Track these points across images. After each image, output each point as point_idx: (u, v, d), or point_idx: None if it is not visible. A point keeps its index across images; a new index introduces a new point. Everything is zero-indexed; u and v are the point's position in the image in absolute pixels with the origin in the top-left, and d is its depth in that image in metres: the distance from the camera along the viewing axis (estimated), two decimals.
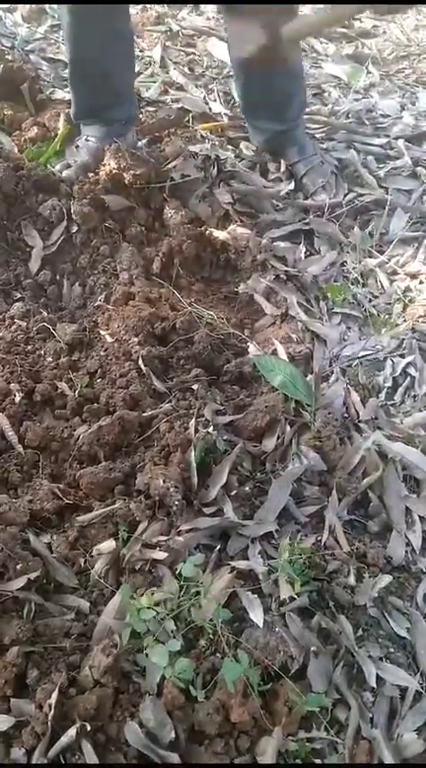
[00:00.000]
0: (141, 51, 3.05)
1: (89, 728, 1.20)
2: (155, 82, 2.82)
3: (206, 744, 1.26)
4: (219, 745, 1.26)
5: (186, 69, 2.98)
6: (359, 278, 2.18)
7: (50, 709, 1.21)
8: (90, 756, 1.18)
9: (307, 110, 2.81)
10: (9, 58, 2.59)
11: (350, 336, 2.05)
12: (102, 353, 1.87)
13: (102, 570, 1.45)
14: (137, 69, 2.88)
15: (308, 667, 1.37)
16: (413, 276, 2.21)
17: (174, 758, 1.22)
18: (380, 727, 1.36)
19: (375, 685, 1.40)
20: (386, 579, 1.54)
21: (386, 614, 1.52)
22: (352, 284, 2.15)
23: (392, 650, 1.47)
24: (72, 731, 1.20)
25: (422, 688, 1.42)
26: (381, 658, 1.45)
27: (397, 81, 3.25)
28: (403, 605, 1.53)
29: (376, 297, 2.17)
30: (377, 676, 1.41)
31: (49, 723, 1.20)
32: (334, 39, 3.50)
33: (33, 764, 1.17)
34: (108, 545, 1.47)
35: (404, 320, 2.08)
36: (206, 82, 2.89)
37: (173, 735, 1.24)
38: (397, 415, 1.87)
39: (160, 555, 1.47)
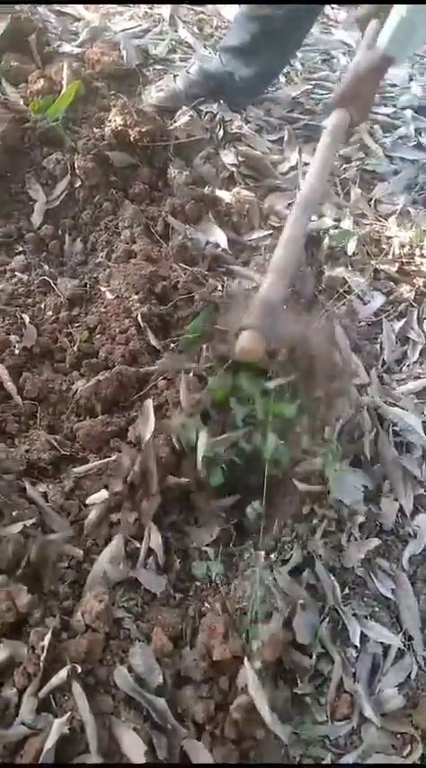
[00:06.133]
0: (150, 8, 3.01)
1: (79, 670, 1.23)
2: (163, 40, 2.79)
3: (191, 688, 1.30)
4: (204, 690, 1.29)
5: (195, 28, 2.94)
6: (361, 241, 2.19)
7: (43, 651, 1.24)
8: (79, 697, 1.21)
9: (316, 75, 2.81)
10: (17, 9, 2.54)
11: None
12: (101, 310, 1.87)
13: (96, 520, 1.47)
14: (145, 26, 2.86)
15: (294, 619, 1.40)
16: (413, 244, 2.21)
17: (161, 702, 1.25)
18: (362, 681, 1.41)
19: (358, 643, 1.44)
20: (374, 542, 1.57)
21: (372, 575, 1.55)
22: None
23: (377, 609, 1.51)
24: (63, 672, 1.22)
25: (405, 646, 1.46)
26: (366, 617, 1.48)
27: None
28: (390, 567, 1.57)
29: (375, 259, 2.17)
30: (361, 633, 1.45)
31: (41, 664, 1.23)
32: (345, 5, 3.45)
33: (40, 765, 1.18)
34: (101, 495, 1.49)
35: (403, 285, 2.10)
36: (215, 42, 2.85)
37: (160, 680, 1.28)
38: (391, 382, 1.89)
39: None
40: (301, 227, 1.69)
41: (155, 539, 1.46)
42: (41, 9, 2.77)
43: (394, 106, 2.78)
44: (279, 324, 1.52)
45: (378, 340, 1.98)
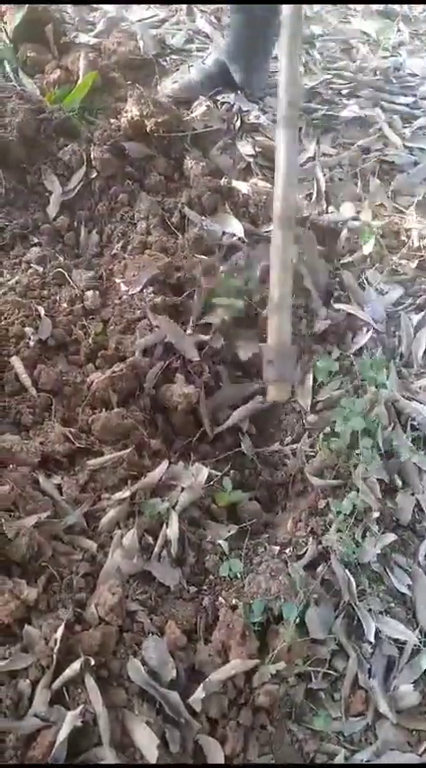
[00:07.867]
0: None
1: (92, 663, 1.23)
2: (180, 30, 2.77)
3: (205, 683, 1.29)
4: (218, 686, 1.28)
5: (212, 18, 2.92)
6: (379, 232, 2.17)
7: (56, 644, 1.23)
8: (92, 690, 1.21)
9: (334, 65, 2.78)
10: None
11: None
12: (116, 301, 1.86)
13: (111, 512, 1.46)
14: (162, 16, 2.85)
15: (307, 613, 1.39)
16: None
17: (174, 696, 1.25)
18: (377, 677, 1.40)
19: (373, 639, 1.42)
20: (390, 537, 1.55)
21: (388, 570, 1.53)
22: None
23: (392, 605, 1.49)
24: (76, 665, 1.22)
25: (421, 643, 1.44)
26: (381, 612, 1.47)
27: None
28: (406, 562, 1.55)
29: (393, 252, 2.15)
30: (377, 630, 1.44)
31: (54, 657, 1.22)
32: None
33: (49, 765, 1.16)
34: (117, 488, 1.49)
35: (422, 277, 2.08)
36: None
37: (174, 673, 1.27)
38: (409, 376, 1.87)
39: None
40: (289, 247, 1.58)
41: (172, 531, 1.45)
42: None
43: (414, 96, 2.75)
44: (293, 363, 1.60)
45: (396, 333, 1.95)
